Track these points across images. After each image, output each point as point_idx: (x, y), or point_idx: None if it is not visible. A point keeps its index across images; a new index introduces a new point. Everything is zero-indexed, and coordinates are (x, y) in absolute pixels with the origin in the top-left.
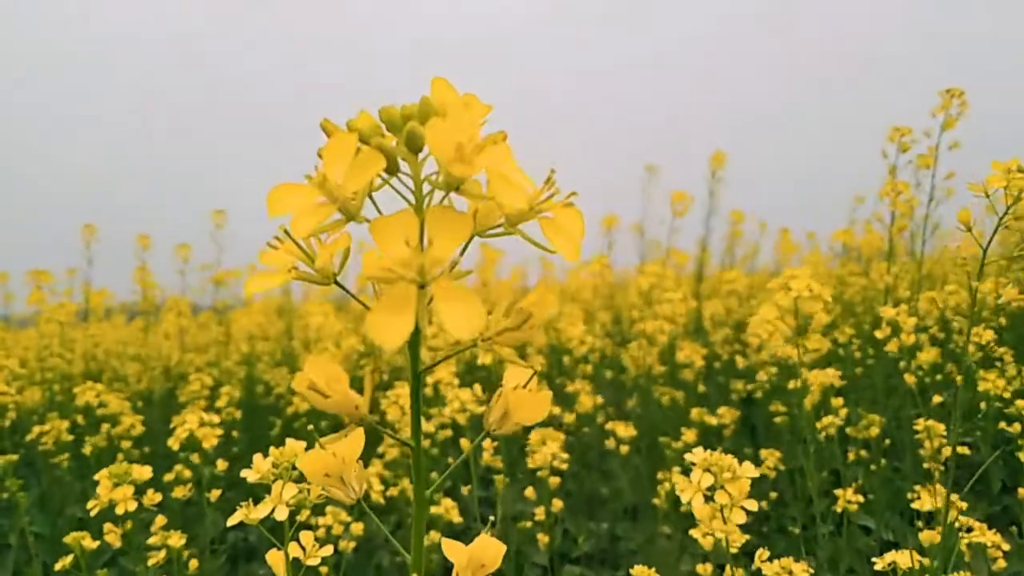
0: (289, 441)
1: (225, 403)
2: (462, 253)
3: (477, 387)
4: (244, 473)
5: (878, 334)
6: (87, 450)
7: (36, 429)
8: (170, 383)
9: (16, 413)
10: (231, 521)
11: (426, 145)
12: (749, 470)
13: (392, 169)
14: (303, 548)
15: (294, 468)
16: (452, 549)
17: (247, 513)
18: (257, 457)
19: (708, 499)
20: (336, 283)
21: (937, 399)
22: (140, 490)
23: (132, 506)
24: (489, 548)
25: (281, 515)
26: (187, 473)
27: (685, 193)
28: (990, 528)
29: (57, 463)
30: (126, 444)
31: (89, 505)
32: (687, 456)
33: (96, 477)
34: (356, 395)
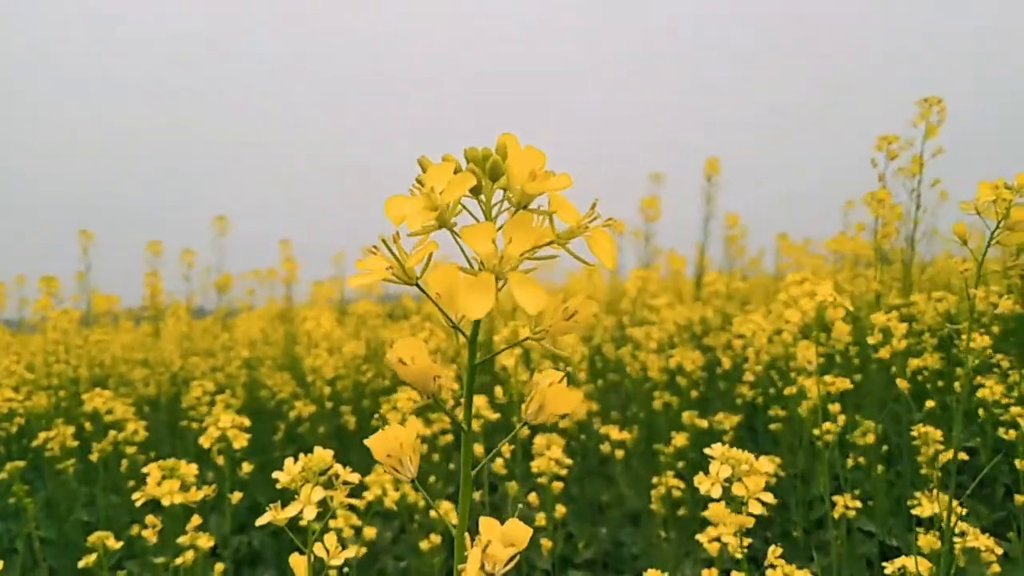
0: (317, 449)
1: (221, 409)
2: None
3: (498, 389)
4: (276, 475)
5: (870, 340)
6: (94, 456)
7: (42, 435)
8: (176, 388)
9: (24, 419)
10: (260, 521)
11: (503, 175)
12: (766, 465)
13: (476, 190)
14: (327, 550)
15: (321, 474)
16: (487, 525)
17: (275, 514)
18: (288, 461)
19: (726, 491)
20: (417, 285)
21: (930, 404)
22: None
23: (178, 499)
24: (520, 529)
25: (310, 515)
26: (191, 477)
27: (656, 198)
28: (995, 534)
29: (63, 469)
30: (130, 450)
31: (135, 496)
32: (706, 450)
33: (145, 470)
34: (434, 366)
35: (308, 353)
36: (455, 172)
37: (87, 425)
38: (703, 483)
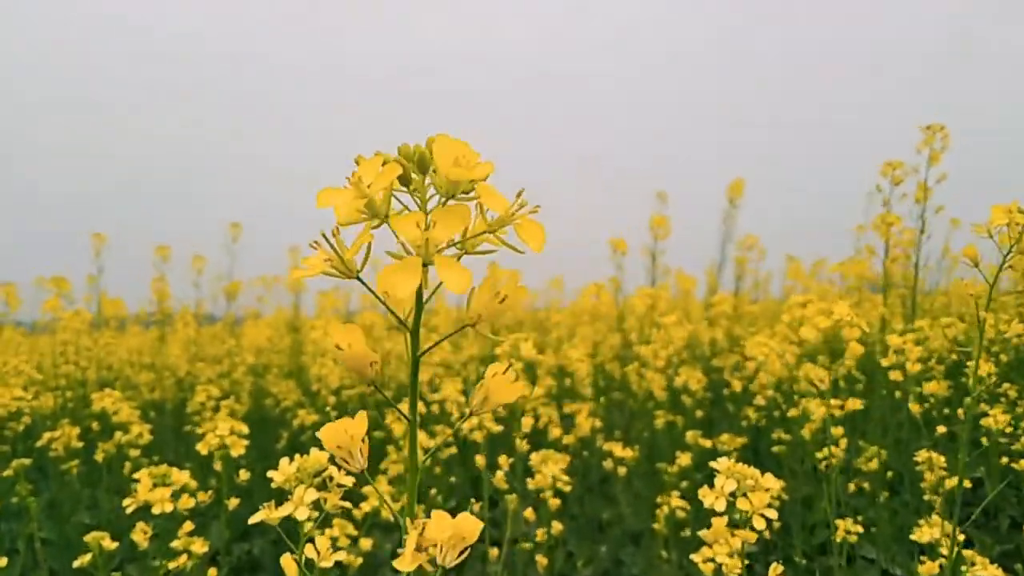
0: (313, 451)
1: (224, 416)
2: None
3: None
4: (270, 474)
5: (884, 361)
6: (99, 456)
7: (47, 435)
8: (182, 393)
9: (30, 419)
10: (253, 520)
11: (432, 168)
12: (771, 481)
13: (406, 180)
14: (317, 552)
15: (316, 475)
16: (438, 520)
17: (268, 513)
18: (283, 461)
19: (730, 505)
20: (358, 278)
21: (941, 430)
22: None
23: (168, 507)
24: (469, 523)
25: (302, 515)
26: (193, 483)
27: (664, 217)
28: (1001, 567)
29: (67, 470)
30: (134, 453)
31: (125, 503)
32: (711, 463)
33: (136, 476)
34: (371, 352)
35: (314, 362)
36: (383, 164)
37: (93, 425)
38: (707, 496)
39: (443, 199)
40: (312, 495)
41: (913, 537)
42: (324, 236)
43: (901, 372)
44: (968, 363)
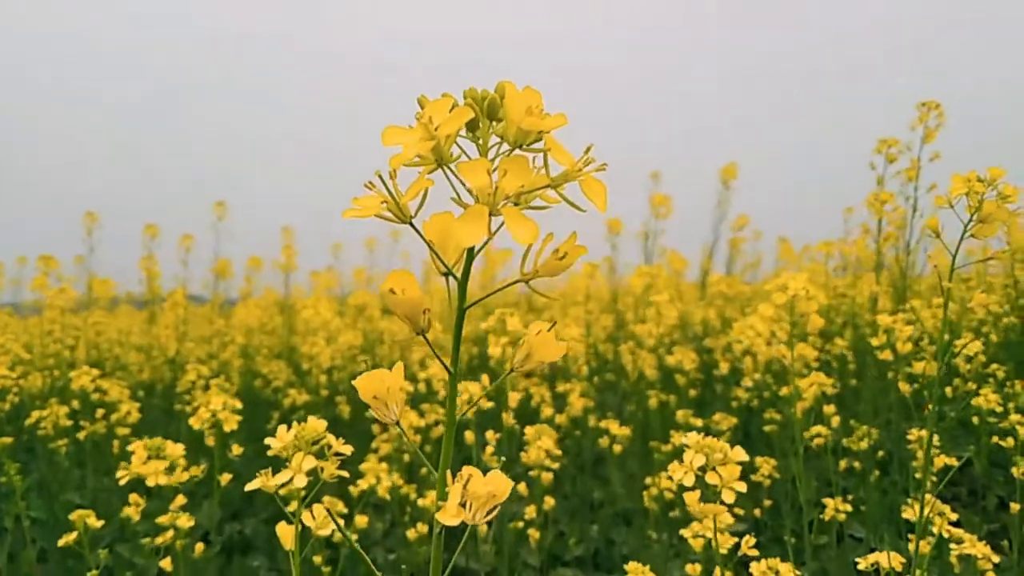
0: (310, 419)
1: (215, 392)
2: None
3: (485, 378)
4: (268, 440)
5: (874, 341)
6: (82, 435)
7: (35, 414)
8: (172, 373)
9: (18, 398)
10: (249, 487)
11: (501, 115)
12: (740, 454)
13: (473, 127)
14: (313, 517)
15: (314, 443)
16: (471, 471)
17: (266, 480)
18: (281, 428)
19: (699, 479)
20: (411, 224)
21: (930, 407)
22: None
23: (163, 480)
24: (502, 480)
25: (300, 483)
26: (179, 458)
27: (667, 197)
28: (988, 545)
29: (55, 448)
30: (123, 431)
31: (119, 474)
32: (680, 439)
33: (130, 448)
34: (425, 298)
35: (306, 342)
36: (452, 107)
37: (76, 405)
38: (676, 471)
39: (510, 148)
40: (310, 462)
41: (906, 515)
42: (380, 177)
43: (891, 352)
44: (956, 343)
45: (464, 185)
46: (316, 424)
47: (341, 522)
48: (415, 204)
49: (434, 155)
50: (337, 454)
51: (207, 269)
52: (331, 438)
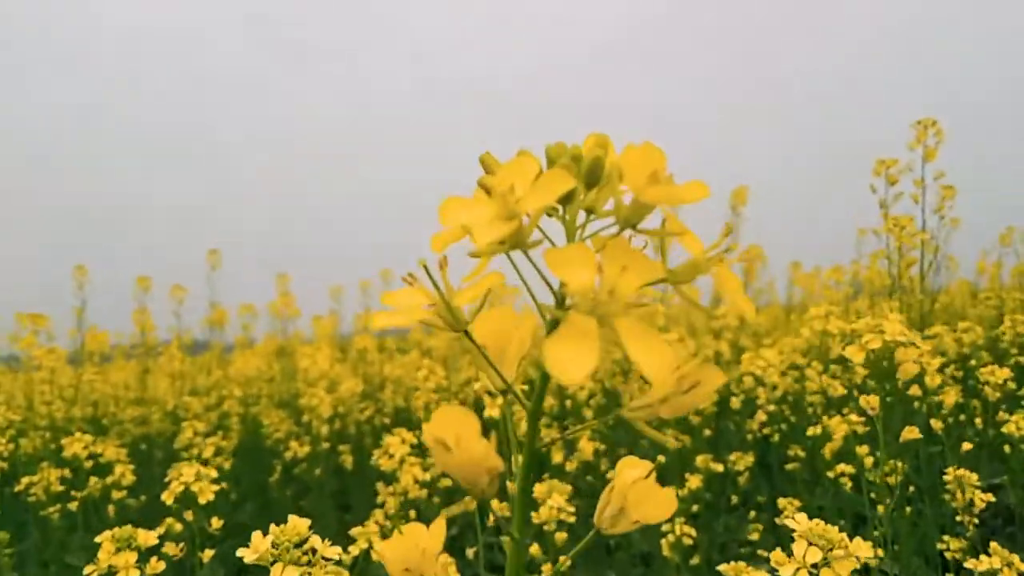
0: (292, 518)
1: (212, 453)
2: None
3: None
4: (241, 552)
5: (902, 376)
6: (73, 505)
7: (25, 480)
8: (173, 425)
9: (8, 464)
10: None
11: (602, 180)
12: (862, 548)
13: (566, 198)
14: None
15: (297, 547)
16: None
17: None
18: (256, 535)
19: None
20: (466, 333)
21: (967, 447)
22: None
23: (135, 574)
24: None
25: None
26: (178, 527)
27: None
28: None
29: (47, 515)
30: (119, 494)
31: (87, 571)
32: (788, 522)
33: (98, 539)
34: (492, 454)
35: (306, 390)
36: (539, 173)
37: (67, 472)
38: (785, 567)
39: (618, 228)
40: (294, 574)
41: (940, 547)
42: (426, 269)
43: (919, 386)
44: (980, 369)
45: (549, 282)
46: (298, 524)
47: None
48: (472, 306)
49: (512, 242)
50: (326, 559)
51: (201, 318)
52: (316, 540)
